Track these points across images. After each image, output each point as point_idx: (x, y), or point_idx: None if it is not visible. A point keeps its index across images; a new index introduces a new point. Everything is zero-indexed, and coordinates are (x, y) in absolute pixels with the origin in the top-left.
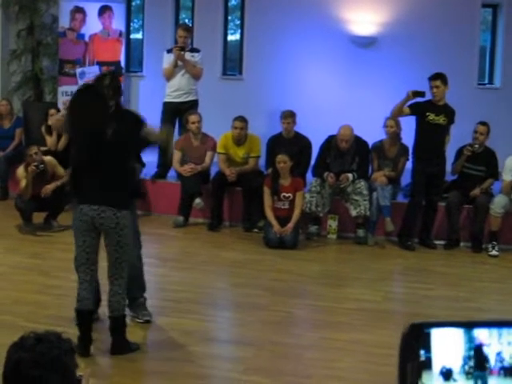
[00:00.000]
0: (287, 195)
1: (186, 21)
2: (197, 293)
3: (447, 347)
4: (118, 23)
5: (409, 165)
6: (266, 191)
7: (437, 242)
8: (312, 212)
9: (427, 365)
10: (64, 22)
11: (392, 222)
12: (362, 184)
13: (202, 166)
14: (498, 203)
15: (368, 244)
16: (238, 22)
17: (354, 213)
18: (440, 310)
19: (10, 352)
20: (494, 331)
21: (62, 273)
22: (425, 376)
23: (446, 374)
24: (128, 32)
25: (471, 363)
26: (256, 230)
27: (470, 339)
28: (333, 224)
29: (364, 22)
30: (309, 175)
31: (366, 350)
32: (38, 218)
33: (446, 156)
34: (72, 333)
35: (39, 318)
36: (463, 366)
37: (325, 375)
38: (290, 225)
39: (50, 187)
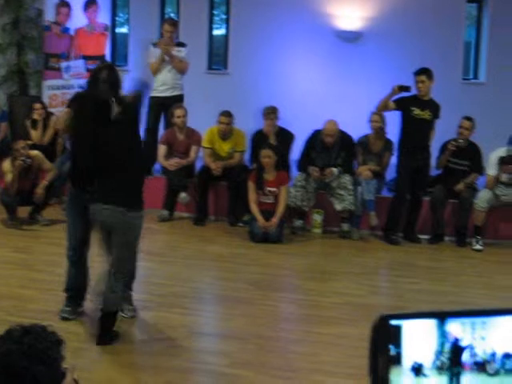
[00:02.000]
0: (272, 189)
1: (172, 15)
2: (182, 287)
3: (418, 342)
4: (103, 17)
5: (394, 159)
6: (251, 186)
7: (421, 237)
8: (297, 206)
9: (397, 360)
10: (49, 16)
11: (376, 217)
12: (346, 178)
13: (187, 161)
14: (482, 198)
15: (353, 238)
16: (224, 17)
17: (338, 207)
18: (425, 303)
19: None
20: (467, 326)
21: (47, 267)
22: (394, 371)
23: (417, 369)
24: (113, 26)
25: (443, 358)
26: (241, 225)
27: (443, 334)
28: (318, 218)
29: (349, 16)
30: (293, 170)
31: (351, 343)
32: (23, 212)
33: (431, 151)
34: (57, 326)
35: (24, 311)
36: (435, 361)
37: (310, 369)
38: (275, 219)
39: (41, 191)
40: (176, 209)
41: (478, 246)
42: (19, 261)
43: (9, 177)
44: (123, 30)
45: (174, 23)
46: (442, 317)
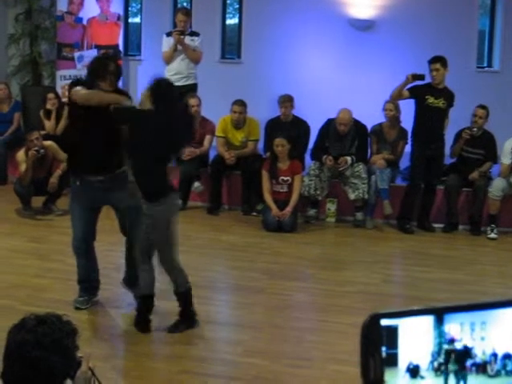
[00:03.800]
0: (285, 179)
1: (185, 4)
2: (196, 276)
3: (415, 343)
4: (116, 7)
5: (408, 148)
6: (265, 175)
7: (435, 225)
8: (310, 195)
9: (392, 361)
10: (62, 6)
11: (390, 205)
12: (360, 167)
13: (201, 150)
14: (497, 186)
15: (366, 227)
16: (237, 6)
17: (352, 196)
18: (439, 292)
19: (11, 333)
20: (466, 326)
21: (61, 256)
22: (389, 373)
23: (413, 370)
24: (126, 16)
25: (441, 359)
26: (255, 214)
27: (440, 334)
28: (331, 207)
29: (362, 5)
30: (307, 159)
31: None
32: (37, 202)
33: (445, 139)
34: (71, 316)
35: (38, 301)
36: (432, 362)
37: (325, 358)
38: (289, 208)
39: (55, 181)
40: (190, 198)
41: (492, 235)
42: (33, 250)
43: (23, 167)
44: (136, 19)
45: (187, 13)
46: (438, 313)
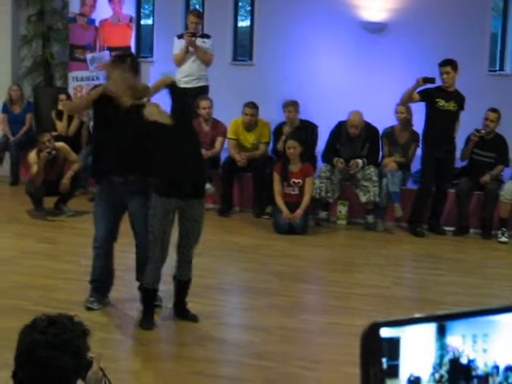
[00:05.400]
0: (297, 181)
1: (197, 6)
2: (207, 278)
3: (416, 354)
4: (128, 9)
5: (419, 151)
6: (276, 177)
7: (446, 229)
8: (321, 198)
9: (393, 372)
10: (74, 8)
11: (401, 208)
12: (371, 170)
13: (213, 152)
14: (508, 190)
15: (377, 230)
16: (249, 8)
17: (363, 199)
18: (449, 295)
19: (22, 334)
20: (468, 338)
21: (72, 257)
22: None
23: (414, 382)
24: (138, 17)
25: (442, 371)
26: (266, 216)
27: (442, 346)
28: (342, 210)
29: (375, 7)
30: (319, 161)
31: None
32: (49, 203)
33: (456, 142)
34: (82, 316)
35: (49, 302)
36: (433, 374)
37: (334, 360)
38: (300, 211)
39: (67, 182)
40: None
41: (503, 238)
42: (44, 251)
43: (34, 168)
44: (148, 21)
45: (199, 14)
46: (439, 320)
